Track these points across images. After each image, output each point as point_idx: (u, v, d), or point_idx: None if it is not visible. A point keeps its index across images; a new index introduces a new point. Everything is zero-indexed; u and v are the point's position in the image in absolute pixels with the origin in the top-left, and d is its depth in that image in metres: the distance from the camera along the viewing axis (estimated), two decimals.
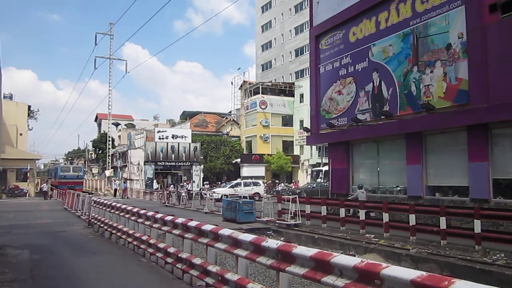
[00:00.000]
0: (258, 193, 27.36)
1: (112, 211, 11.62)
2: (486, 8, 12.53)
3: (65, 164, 49.73)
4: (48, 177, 52.81)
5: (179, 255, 6.85)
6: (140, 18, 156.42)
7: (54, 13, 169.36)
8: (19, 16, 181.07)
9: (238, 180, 33.75)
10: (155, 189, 36.15)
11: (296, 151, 43.53)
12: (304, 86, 40.60)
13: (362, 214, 12.41)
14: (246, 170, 40.54)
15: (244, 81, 46.83)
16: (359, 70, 17.65)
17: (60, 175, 42.13)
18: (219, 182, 39.59)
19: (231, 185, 30.48)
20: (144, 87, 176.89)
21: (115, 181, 42.26)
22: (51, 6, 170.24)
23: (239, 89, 47.94)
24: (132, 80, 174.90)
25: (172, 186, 35.60)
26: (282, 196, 16.75)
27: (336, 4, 18.94)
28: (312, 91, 20.79)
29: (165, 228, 7.78)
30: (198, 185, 38.11)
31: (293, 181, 41.85)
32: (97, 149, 59.19)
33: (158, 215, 8.30)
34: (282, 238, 12.50)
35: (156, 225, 8.28)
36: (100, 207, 13.23)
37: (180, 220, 7.15)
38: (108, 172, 48.13)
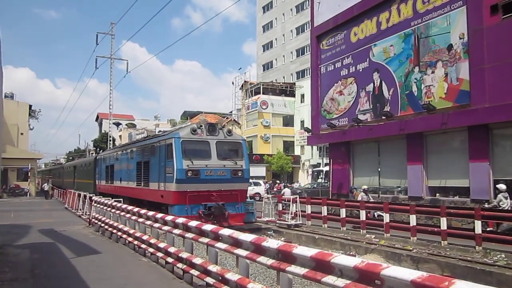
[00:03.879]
0: (258, 193, 27.38)
1: (112, 210, 11.62)
2: (487, 9, 12.53)
3: (193, 132, 12.25)
4: (99, 178, 23.50)
5: (180, 254, 6.85)
6: (138, 17, 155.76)
7: (50, 9, 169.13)
8: (17, 14, 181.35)
9: None
10: None
11: (297, 151, 43.48)
12: (305, 86, 40.55)
13: (362, 214, 12.40)
14: None
15: (245, 81, 46.79)
16: (360, 70, 17.65)
17: (180, 169, 12.04)
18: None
19: None
20: (143, 86, 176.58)
21: None
22: (49, 3, 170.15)
23: (240, 89, 47.95)
24: (131, 79, 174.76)
25: None
26: (283, 197, 16.71)
27: (337, 5, 18.95)
28: (313, 91, 20.81)
29: (165, 227, 7.78)
30: None
31: (277, 181, 36.79)
32: (98, 149, 59.17)
33: (159, 215, 8.30)
34: (282, 238, 12.48)
35: (156, 225, 8.28)
36: (101, 206, 13.23)
37: (180, 219, 7.15)
38: None
